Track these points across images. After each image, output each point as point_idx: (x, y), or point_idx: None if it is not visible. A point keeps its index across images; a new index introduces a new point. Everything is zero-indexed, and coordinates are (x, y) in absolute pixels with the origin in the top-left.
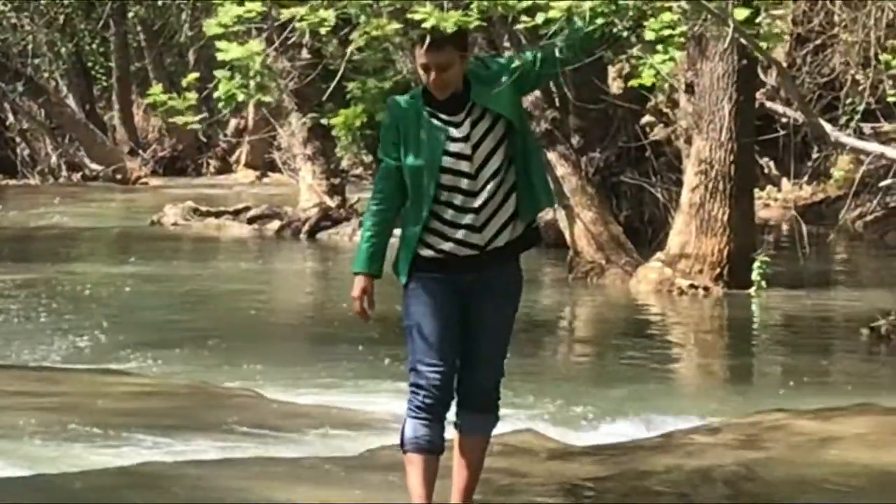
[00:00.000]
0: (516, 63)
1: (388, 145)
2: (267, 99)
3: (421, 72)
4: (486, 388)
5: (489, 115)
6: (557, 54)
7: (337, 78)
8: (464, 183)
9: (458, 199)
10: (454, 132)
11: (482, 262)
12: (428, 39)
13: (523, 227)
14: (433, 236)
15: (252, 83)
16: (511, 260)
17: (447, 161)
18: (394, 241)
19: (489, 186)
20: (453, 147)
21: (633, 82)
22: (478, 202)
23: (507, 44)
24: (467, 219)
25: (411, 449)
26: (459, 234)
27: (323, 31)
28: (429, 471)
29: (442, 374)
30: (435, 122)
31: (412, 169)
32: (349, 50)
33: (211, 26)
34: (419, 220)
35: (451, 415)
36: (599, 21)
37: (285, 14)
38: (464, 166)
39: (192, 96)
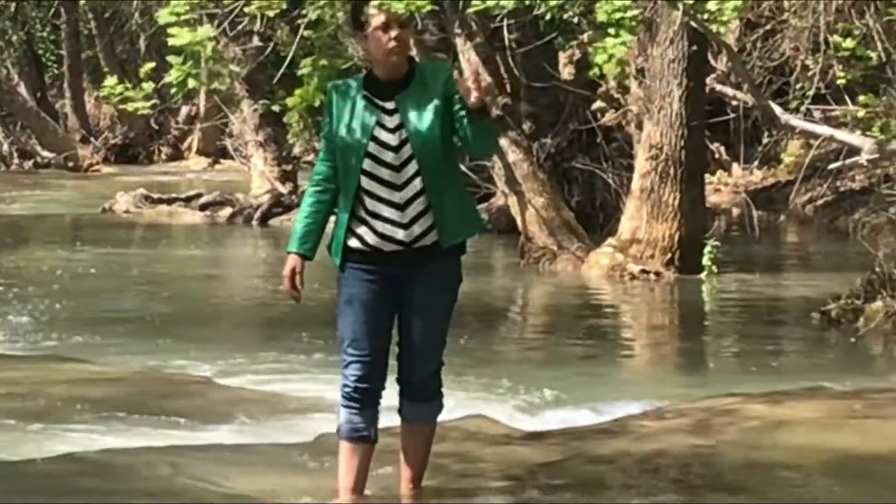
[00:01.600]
0: (456, 100)
1: (327, 125)
2: (218, 86)
3: (379, 36)
4: (421, 377)
5: (421, 114)
6: (464, 143)
7: (286, 62)
8: (386, 174)
9: (381, 190)
10: (386, 120)
11: (409, 257)
12: None
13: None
14: (360, 225)
15: (203, 69)
16: (442, 257)
17: (372, 147)
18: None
19: (415, 182)
20: (381, 134)
21: (592, 72)
22: (402, 197)
23: (458, 30)
24: (390, 212)
25: (342, 437)
26: (381, 226)
27: (271, 13)
28: (357, 459)
29: (368, 364)
30: (369, 105)
31: (340, 150)
32: (302, 28)
33: (163, 15)
34: (346, 205)
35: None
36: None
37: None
38: (388, 156)
39: (149, 86)
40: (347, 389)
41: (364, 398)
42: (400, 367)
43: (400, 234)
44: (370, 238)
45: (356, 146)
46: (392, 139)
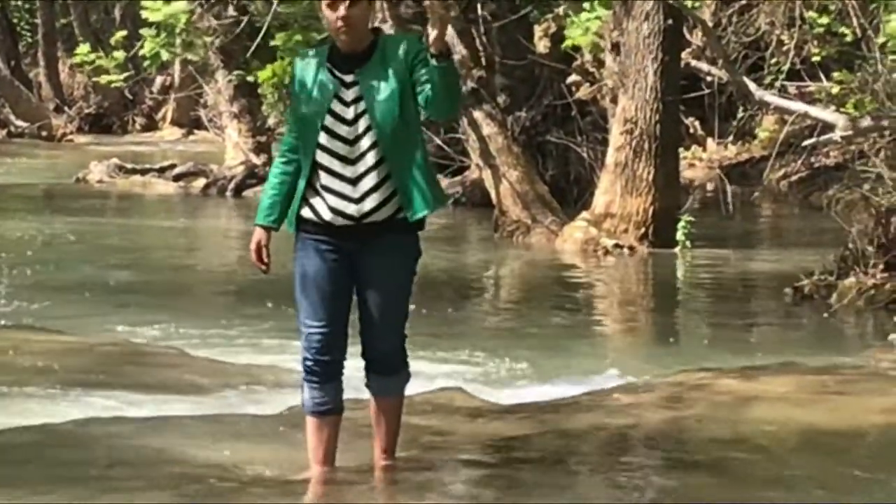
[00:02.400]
0: (419, 66)
1: (292, 97)
2: (193, 57)
3: (328, 13)
4: (383, 351)
5: (380, 88)
6: (426, 105)
7: (261, 34)
8: (340, 147)
9: (334, 164)
10: (343, 92)
11: (361, 232)
12: None
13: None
14: (315, 196)
15: (178, 41)
16: (395, 233)
17: (328, 120)
18: None
19: (369, 156)
20: (337, 107)
21: (567, 43)
22: (354, 171)
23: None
24: (341, 186)
25: (306, 411)
26: (333, 200)
27: None
28: (325, 431)
29: (324, 336)
30: (329, 77)
31: (300, 121)
32: (274, 4)
33: None
34: (304, 176)
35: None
36: None
37: None
38: (343, 130)
39: (120, 55)
40: (308, 363)
41: (324, 371)
42: (362, 342)
43: (350, 208)
44: (323, 211)
45: (313, 118)
46: (347, 112)
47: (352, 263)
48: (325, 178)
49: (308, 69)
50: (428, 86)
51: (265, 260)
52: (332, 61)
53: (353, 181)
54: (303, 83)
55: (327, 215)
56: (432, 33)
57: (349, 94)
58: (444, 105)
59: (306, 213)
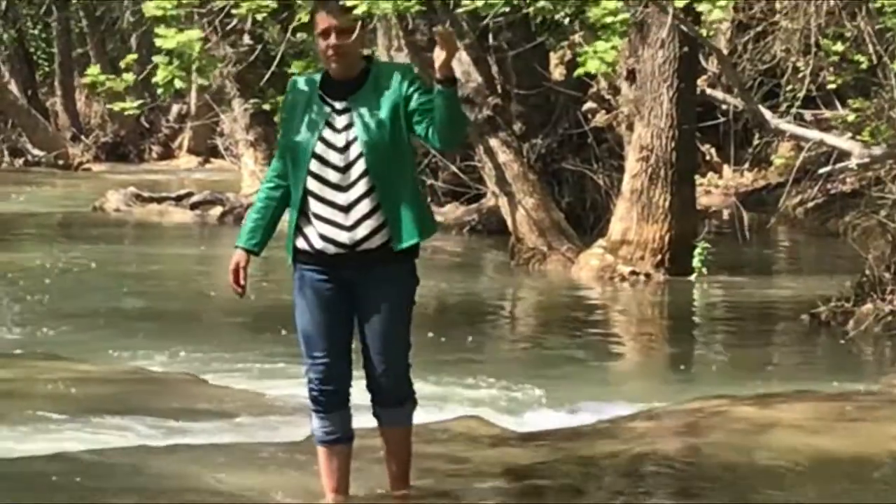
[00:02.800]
0: (418, 96)
1: (283, 123)
2: (205, 82)
3: (320, 41)
4: (384, 381)
5: (372, 115)
6: (430, 135)
7: (276, 62)
8: (332, 175)
9: (326, 192)
10: (335, 119)
11: (355, 260)
12: (328, 3)
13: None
14: (307, 226)
15: (194, 68)
16: (390, 261)
17: (319, 147)
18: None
19: (360, 184)
20: (328, 134)
21: (579, 71)
22: (346, 199)
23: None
24: (333, 214)
25: (317, 441)
26: (325, 228)
27: (260, 16)
28: (335, 461)
29: (326, 367)
30: (321, 104)
31: (289, 148)
32: (289, 32)
33: (149, 7)
34: (296, 205)
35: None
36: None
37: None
38: (333, 157)
39: (130, 77)
40: (313, 393)
41: (329, 400)
42: (365, 373)
43: (343, 236)
44: (315, 240)
45: (304, 145)
46: (339, 139)
47: (350, 292)
48: (316, 206)
49: (300, 96)
50: (430, 115)
51: (242, 283)
52: (325, 88)
53: (345, 209)
54: (294, 110)
55: (319, 244)
56: (438, 58)
57: (340, 122)
58: (449, 133)
59: (300, 243)
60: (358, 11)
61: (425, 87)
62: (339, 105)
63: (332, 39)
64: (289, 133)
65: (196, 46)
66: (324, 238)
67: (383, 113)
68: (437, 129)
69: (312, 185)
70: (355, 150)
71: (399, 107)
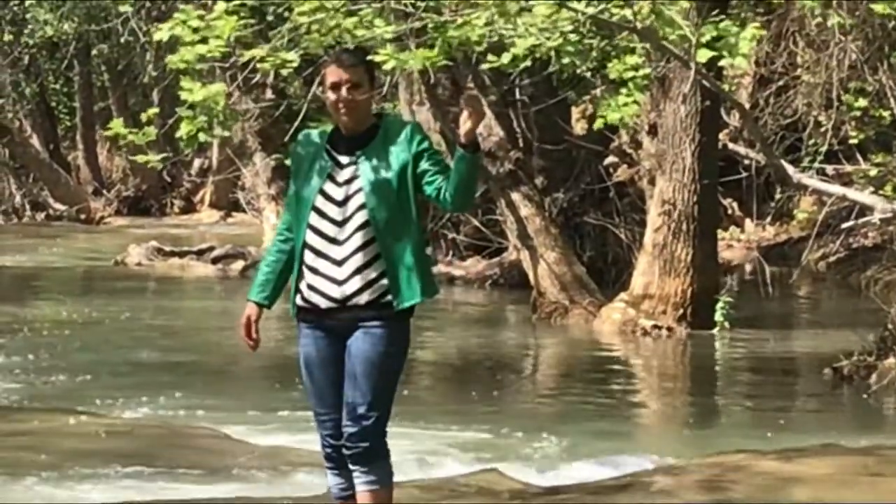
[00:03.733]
0: (427, 156)
1: (291, 175)
2: (226, 133)
3: (329, 95)
4: (353, 437)
5: (379, 172)
6: (443, 197)
7: (300, 117)
8: (329, 228)
9: (322, 245)
10: (337, 173)
11: (346, 314)
12: (339, 56)
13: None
14: (303, 279)
15: (216, 121)
16: (378, 318)
17: (319, 201)
18: None
19: (355, 238)
20: (329, 187)
21: (598, 123)
22: (341, 253)
23: (470, 84)
24: (327, 267)
25: (332, 496)
26: (318, 282)
27: (285, 72)
28: None
29: (333, 423)
30: (326, 158)
31: (292, 201)
32: (312, 90)
33: (173, 60)
34: (297, 260)
35: None
36: (565, 61)
37: (247, 55)
38: (332, 211)
39: (152, 131)
40: (326, 451)
41: (340, 456)
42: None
43: (334, 291)
44: (309, 294)
45: (306, 199)
46: (338, 193)
47: (344, 345)
48: (312, 259)
49: (308, 149)
50: (441, 176)
51: (254, 336)
52: (333, 142)
53: (339, 262)
54: (301, 163)
55: (313, 297)
56: (464, 124)
57: (342, 175)
58: (464, 198)
59: (298, 300)
60: (387, 67)
61: (433, 147)
62: (344, 160)
63: (343, 93)
64: (294, 186)
65: (221, 101)
66: (317, 291)
67: (391, 170)
68: (452, 193)
69: (311, 238)
70: (353, 204)
71: (408, 166)
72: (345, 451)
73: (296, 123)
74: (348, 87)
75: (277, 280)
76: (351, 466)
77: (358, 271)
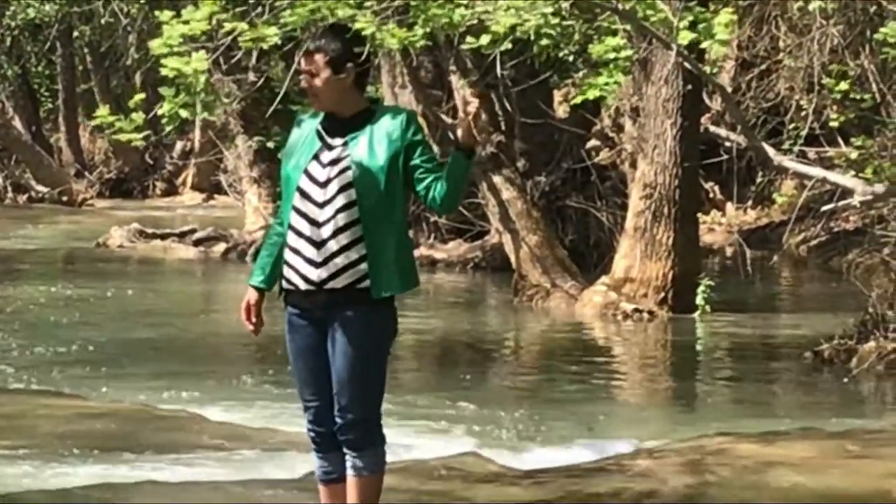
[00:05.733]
0: (421, 151)
1: (283, 157)
2: (211, 117)
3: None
4: (343, 424)
5: (369, 158)
6: (431, 197)
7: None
8: (311, 209)
9: (303, 227)
10: (323, 154)
11: (323, 299)
12: (310, 41)
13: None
14: (286, 261)
15: (197, 100)
16: (356, 304)
17: (303, 181)
18: None
19: (336, 220)
20: (313, 168)
21: (577, 98)
22: (319, 235)
23: (452, 67)
24: (307, 249)
25: (317, 479)
26: (299, 263)
27: (265, 46)
28: (330, 499)
29: (316, 409)
30: (316, 140)
31: (284, 182)
32: (293, 69)
33: (156, 45)
34: (284, 239)
35: None
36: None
37: (226, 28)
38: (315, 192)
39: (139, 117)
40: (310, 434)
41: (325, 441)
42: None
43: (312, 273)
44: (290, 275)
45: (292, 179)
46: (321, 175)
47: (326, 332)
48: (294, 241)
49: (302, 131)
50: (432, 177)
51: (254, 320)
52: (326, 124)
53: (318, 244)
54: (293, 145)
55: (294, 278)
56: (462, 126)
57: (327, 157)
58: (454, 199)
59: (283, 281)
60: (367, 33)
61: (426, 141)
62: (334, 142)
63: (304, 77)
64: (285, 167)
65: (202, 78)
66: (297, 272)
67: (381, 157)
68: (442, 195)
69: (294, 219)
70: (334, 186)
71: (399, 155)
72: (339, 434)
73: (276, 105)
74: (306, 74)
75: (276, 263)
76: (345, 451)
77: (337, 253)
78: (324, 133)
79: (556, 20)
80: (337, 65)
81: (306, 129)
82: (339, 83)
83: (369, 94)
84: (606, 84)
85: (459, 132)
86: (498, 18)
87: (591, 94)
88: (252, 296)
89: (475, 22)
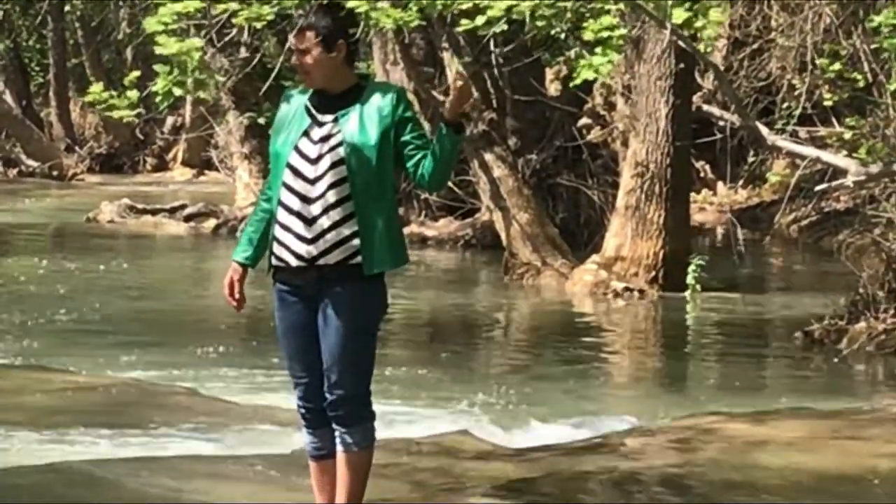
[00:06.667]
0: (411, 127)
1: (272, 133)
2: (204, 96)
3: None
4: (331, 402)
5: (359, 134)
6: (420, 174)
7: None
8: (301, 186)
9: (294, 203)
10: (313, 130)
11: (314, 275)
12: (302, 18)
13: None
14: (276, 237)
15: (189, 79)
16: (348, 280)
17: (293, 157)
18: None
19: (326, 197)
20: (304, 144)
21: (577, 79)
22: (311, 212)
23: (445, 44)
24: (297, 225)
25: (308, 455)
26: (289, 239)
27: (259, 25)
28: (323, 476)
29: (306, 386)
30: (305, 116)
31: (271, 156)
32: (286, 45)
33: (150, 23)
34: (273, 215)
35: None
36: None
37: (220, 8)
38: (305, 168)
39: (134, 94)
40: (300, 411)
41: (314, 417)
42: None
43: (302, 249)
44: (280, 251)
45: (282, 156)
46: (312, 151)
47: (316, 309)
48: (285, 217)
49: (291, 107)
50: (421, 154)
51: (237, 296)
52: (315, 101)
53: (309, 221)
54: (282, 121)
55: (284, 255)
56: (452, 103)
57: (317, 133)
58: (442, 177)
59: (273, 259)
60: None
61: (416, 118)
62: (323, 118)
63: (296, 56)
64: (274, 144)
65: (195, 56)
66: (287, 249)
67: (372, 134)
68: (430, 171)
69: (284, 195)
70: (326, 162)
71: (390, 131)
72: (328, 412)
73: (269, 81)
74: (297, 52)
75: (261, 239)
76: (334, 426)
77: (329, 230)
78: (313, 109)
79: (550, 0)
80: (328, 42)
81: (294, 105)
82: (331, 60)
83: (359, 70)
84: (600, 63)
85: (447, 107)
86: (492, 3)
87: (585, 75)
88: (236, 272)
89: (469, 5)
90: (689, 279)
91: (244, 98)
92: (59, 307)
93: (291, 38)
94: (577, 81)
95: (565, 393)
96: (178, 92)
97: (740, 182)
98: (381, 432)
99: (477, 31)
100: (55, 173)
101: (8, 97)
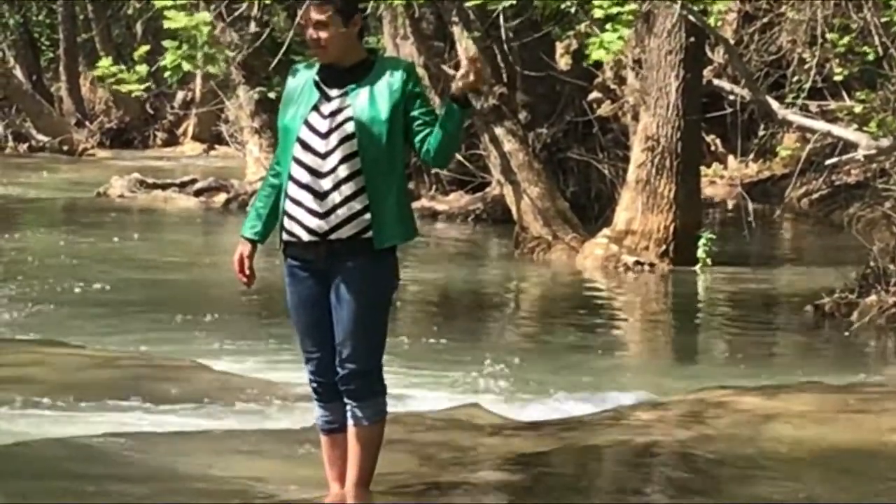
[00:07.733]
0: (420, 103)
1: (280, 108)
2: (214, 70)
3: (306, 30)
4: (342, 376)
5: (370, 109)
6: (425, 150)
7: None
8: (311, 160)
9: (305, 177)
10: (323, 105)
11: (325, 250)
12: None
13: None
14: (287, 214)
15: (199, 54)
16: (359, 254)
17: (303, 131)
18: None
19: (338, 171)
20: (314, 119)
21: (590, 58)
22: (322, 186)
23: (455, 19)
24: (309, 200)
25: (319, 429)
26: (300, 214)
27: (268, 0)
28: (334, 450)
29: (318, 360)
30: (314, 90)
31: (282, 133)
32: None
33: None
34: (283, 190)
35: None
36: None
37: None
38: (315, 142)
39: (143, 69)
40: (312, 385)
41: (326, 391)
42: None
43: (314, 223)
44: (291, 226)
45: (291, 130)
46: (322, 125)
47: (329, 285)
48: (296, 192)
49: (298, 82)
50: (428, 130)
51: (246, 272)
52: (324, 75)
53: (321, 195)
54: (290, 95)
55: (296, 229)
56: (463, 82)
57: (327, 108)
58: (447, 152)
59: (284, 235)
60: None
61: (425, 94)
62: (332, 92)
63: (310, 32)
64: (283, 118)
65: (205, 30)
66: (299, 223)
67: (383, 109)
68: (435, 147)
69: (295, 170)
70: (336, 136)
71: (399, 106)
72: (340, 387)
73: (279, 56)
74: (314, 26)
75: (269, 215)
76: (346, 402)
77: (341, 204)
78: (322, 84)
79: None
80: (345, 16)
81: (302, 80)
82: (346, 34)
83: (368, 44)
84: (611, 41)
85: (458, 81)
86: None
87: (597, 55)
88: (245, 248)
89: None
90: (700, 253)
91: (254, 72)
92: (68, 281)
93: (309, 12)
94: (591, 60)
95: (576, 366)
96: (187, 67)
97: (751, 156)
98: (392, 406)
99: (487, 6)
100: (65, 148)
101: (18, 72)
